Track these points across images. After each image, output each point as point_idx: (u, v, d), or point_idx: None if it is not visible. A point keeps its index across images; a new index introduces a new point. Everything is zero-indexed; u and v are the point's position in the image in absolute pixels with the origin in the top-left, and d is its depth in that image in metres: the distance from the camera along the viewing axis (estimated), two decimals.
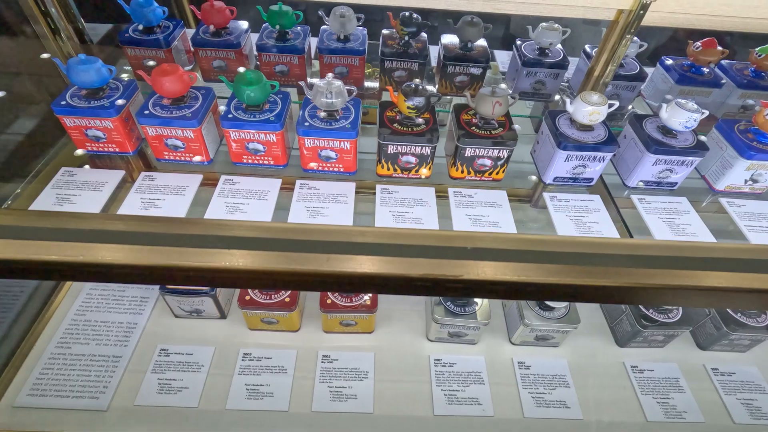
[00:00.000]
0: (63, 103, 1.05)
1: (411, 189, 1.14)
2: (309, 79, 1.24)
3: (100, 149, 1.14)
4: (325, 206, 1.07)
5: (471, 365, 1.39)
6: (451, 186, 1.17)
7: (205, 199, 1.07)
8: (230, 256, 0.72)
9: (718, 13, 1.14)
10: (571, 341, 1.48)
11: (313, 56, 1.50)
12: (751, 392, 1.43)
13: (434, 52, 1.52)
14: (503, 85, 1.07)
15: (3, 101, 1.29)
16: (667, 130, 1.13)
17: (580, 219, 1.11)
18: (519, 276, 0.75)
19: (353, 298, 1.15)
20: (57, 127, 1.11)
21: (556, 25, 1.37)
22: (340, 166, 1.14)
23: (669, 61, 1.43)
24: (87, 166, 1.13)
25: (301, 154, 1.12)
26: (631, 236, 1.07)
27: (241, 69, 1.08)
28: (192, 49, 1.38)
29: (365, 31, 1.42)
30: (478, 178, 1.18)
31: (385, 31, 1.41)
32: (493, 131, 1.10)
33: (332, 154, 1.11)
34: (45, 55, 1.29)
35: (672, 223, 1.11)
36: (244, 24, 1.39)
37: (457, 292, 0.80)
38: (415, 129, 1.09)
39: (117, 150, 1.14)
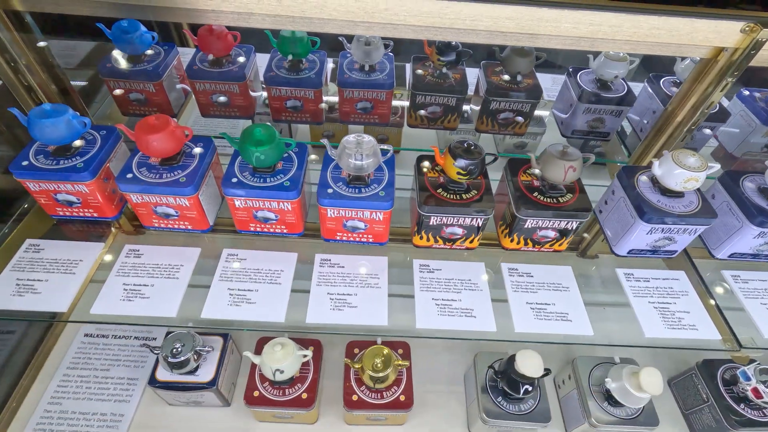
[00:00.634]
0: (25, 163, 0.84)
1: (456, 266, 0.93)
2: (325, 134, 0.95)
3: (75, 214, 0.93)
4: (353, 293, 0.87)
5: None
6: (503, 258, 0.96)
7: (205, 282, 0.86)
8: None
9: None
10: None
11: (328, 79, 1.27)
12: None
13: (470, 76, 1.30)
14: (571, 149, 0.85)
15: None
16: None
17: (665, 308, 0.90)
18: None
19: (384, 393, 0.96)
20: (21, 186, 0.89)
21: (623, 54, 1.15)
22: (370, 236, 0.93)
23: (756, 94, 1.20)
24: (57, 239, 0.92)
25: (321, 224, 0.91)
26: (737, 340, 0.87)
27: (249, 123, 0.86)
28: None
29: (392, 59, 1.19)
30: (537, 250, 0.97)
31: (416, 62, 1.19)
32: (560, 199, 0.89)
33: (361, 225, 0.90)
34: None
35: None
36: (248, 50, 1.17)
37: None
38: (464, 197, 0.87)
39: (95, 215, 0.93)
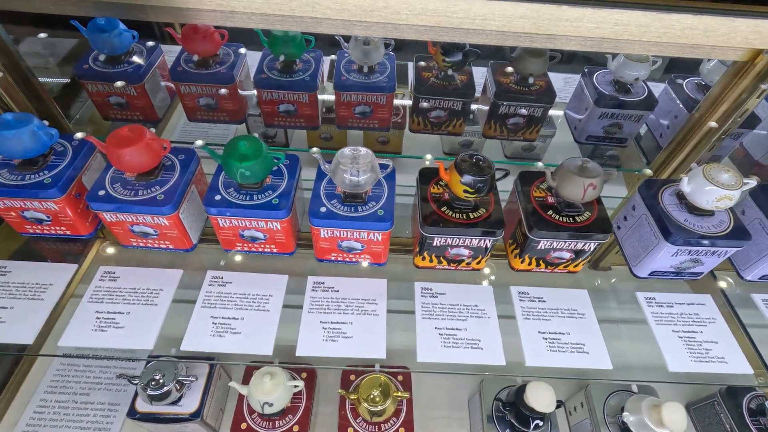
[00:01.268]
0: None
1: (462, 290, 0.85)
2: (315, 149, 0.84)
3: (45, 232, 0.85)
4: (348, 321, 0.79)
5: None
6: (513, 282, 0.88)
7: (186, 310, 0.79)
8: None
9: None
10: None
11: (325, 79, 1.19)
12: None
13: (477, 75, 1.21)
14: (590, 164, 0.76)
15: None
16: None
17: (692, 337, 0.82)
18: None
19: (382, 426, 0.88)
20: None
21: (645, 54, 1.05)
22: (367, 257, 0.85)
23: None
24: (27, 259, 0.84)
25: (314, 244, 0.83)
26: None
27: (231, 137, 0.78)
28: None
29: (394, 59, 1.10)
30: (549, 271, 0.89)
31: (421, 62, 1.10)
32: (578, 218, 0.80)
33: (357, 246, 0.82)
34: None
35: None
36: (238, 49, 1.08)
37: None
38: (472, 216, 0.79)
39: (67, 233, 0.85)
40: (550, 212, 0.81)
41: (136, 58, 1.03)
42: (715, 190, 0.76)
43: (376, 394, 0.84)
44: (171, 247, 0.84)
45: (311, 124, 1.11)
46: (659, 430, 0.83)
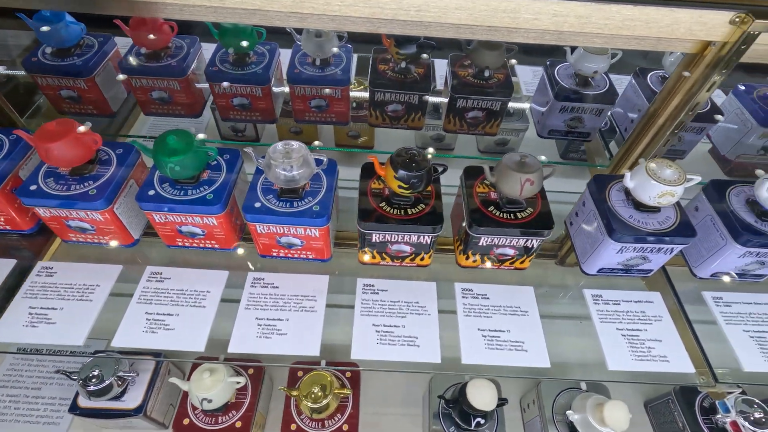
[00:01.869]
0: None
1: (404, 286, 0.84)
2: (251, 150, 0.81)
3: None
4: (284, 318, 0.78)
5: None
6: (458, 278, 0.87)
7: (121, 306, 0.78)
8: None
9: None
10: None
11: (282, 73, 1.17)
12: None
13: (439, 68, 1.19)
14: (542, 157, 0.75)
15: None
16: (763, 210, 0.81)
17: (635, 335, 0.80)
18: None
19: (326, 423, 0.88)
20: None
21: (603, 47, 1.03)
22: (309, 253, 0.84)
23: (753, 91, 1.08)
24: None
25: (255, 240, 0.82)
26: (713, 374, 0.77)
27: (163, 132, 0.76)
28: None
29: (351, 51, 1.09)
30: (496, 267, 0.88)
31: (378, 55, 1.08)
32: (519, 214, 0.79)
33: (296, 241, 0.81)
34: None
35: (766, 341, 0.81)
36: (192, 41, 1.06)
37: None
38: (410, 212, 0.78)
39: (8, 228, 0.85)
40: (491, 208, 0.79)
41: (86, 51, 1.02)
42: (657, 186, 0.74)
43: (316, 390, 0.84)
44: (110, 242, 0.84)
45: (268, 118, 1.10)
46: (602, 429, 0.82)
